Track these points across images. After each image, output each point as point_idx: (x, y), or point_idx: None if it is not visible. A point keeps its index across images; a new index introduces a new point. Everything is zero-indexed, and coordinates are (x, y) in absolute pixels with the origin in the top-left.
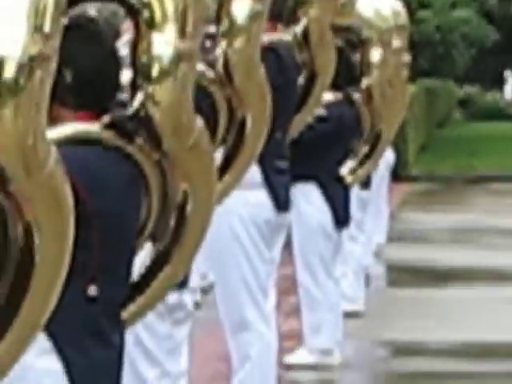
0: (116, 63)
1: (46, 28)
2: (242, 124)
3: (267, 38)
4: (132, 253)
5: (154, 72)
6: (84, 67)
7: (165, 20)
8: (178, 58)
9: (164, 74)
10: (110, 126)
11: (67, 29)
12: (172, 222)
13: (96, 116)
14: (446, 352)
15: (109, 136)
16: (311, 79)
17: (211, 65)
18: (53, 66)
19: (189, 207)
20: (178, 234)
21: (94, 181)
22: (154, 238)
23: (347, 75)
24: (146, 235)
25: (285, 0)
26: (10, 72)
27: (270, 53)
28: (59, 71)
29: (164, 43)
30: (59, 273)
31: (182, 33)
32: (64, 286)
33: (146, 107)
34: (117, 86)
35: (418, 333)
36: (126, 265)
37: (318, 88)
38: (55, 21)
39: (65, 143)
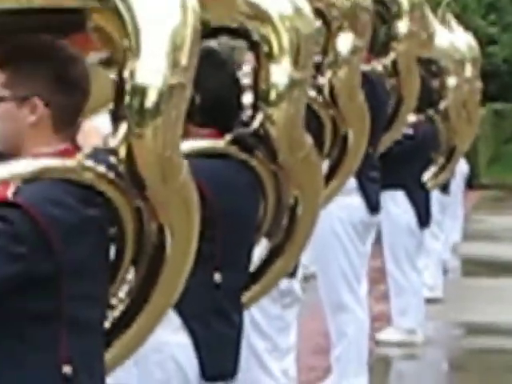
0: (237, 88)
1: (184, 62)
2: (345, 140)
3: (363, 67)
4: (251, 247)
5: (272, 97)
6: (211, 91)
7: (281, 53)
8: (292, 85)
9: (280, 98)
10: (233, 141)
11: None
12: (284, 222)
13: (220, 133)
14: None
15: (233, 150)
16: (399, 103)
17: (318, 89)
18: (188, 92)
19: (299, 210)
20: (289, 232)
21: (219, 187)
22: (269, 235)
23: (428, 99)
24: (262, 232)
25: (375, 34)
26: (152, 99)
27: (366, 80)
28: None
29: (280, 72)
30: (186, 266)
31: (295, 63)
32: (193, 274)
33: (264, 126)
34: (238, 108)
35: (490, 315)
36: (245, 257)
37: (404, 110)
38: (191, 56)
39: (195, 156)
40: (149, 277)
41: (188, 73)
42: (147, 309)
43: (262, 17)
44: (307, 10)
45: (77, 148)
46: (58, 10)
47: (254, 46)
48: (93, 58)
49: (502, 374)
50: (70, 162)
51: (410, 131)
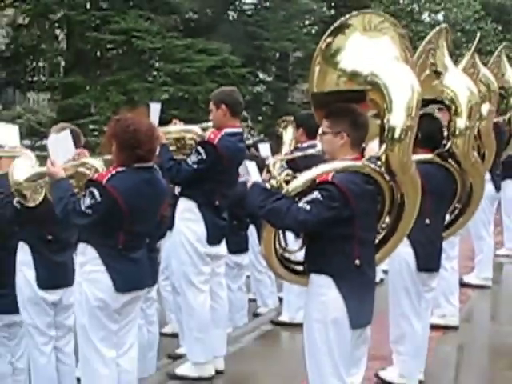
0: (440, 129)
1: (413, 114)
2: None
3: None
4: (375, 230)
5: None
6: (426, 130)
7: (461, 111)
8: (466, 128)
9: (460, 135)
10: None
11: None
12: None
13: (432, 151)
14: None
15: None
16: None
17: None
18: (415, 130)
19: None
20: (397, 221)
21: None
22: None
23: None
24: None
25: None
26: (397, 133)
27: None
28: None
29: (461, 121)
30: (413, 216)
31: (468, 117)
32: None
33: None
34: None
35: None
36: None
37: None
38: (416, 112)
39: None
40: (396, 220)
41: (414, 120)
42: (395, 235)
43: (451, 95)
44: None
45: (362, 156)
46: (353, 91)
47: (447, 108)
48: (368, 113)
49: None
50: (359, 163)
51: None
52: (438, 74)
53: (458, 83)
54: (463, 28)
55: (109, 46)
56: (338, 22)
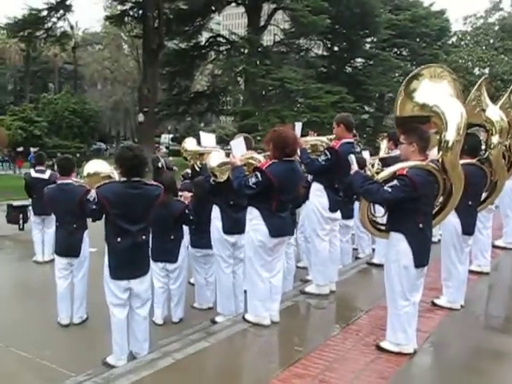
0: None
1: (461, 133)
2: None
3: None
4: (433, 206)
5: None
6: (469, 144)
7: (495, 132)
8: (497, 144)
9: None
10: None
11: None
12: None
13: (473, 158)
14: None
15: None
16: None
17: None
18: (461, 143)
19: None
20: (447, 200)
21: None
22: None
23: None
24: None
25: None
26: (450, 144)
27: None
28: None
29: (495, 139)
30: (457, 198)
31: (499, 136)
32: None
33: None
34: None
35: None
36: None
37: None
38: (463, 131)
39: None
40: (446, 200)
41: (461, 136)
42: (445, 209)
43: (489, 122)
44: (505, 118)
45: (426, 158)
46: (422, 116)
47: (486, 130)
48: (431, 131)
49: None
50: (424, 163)
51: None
52: (483, 110)
53: (494, 115)
54: (502, 78)
55: (270, 87)
56: (415, 71)
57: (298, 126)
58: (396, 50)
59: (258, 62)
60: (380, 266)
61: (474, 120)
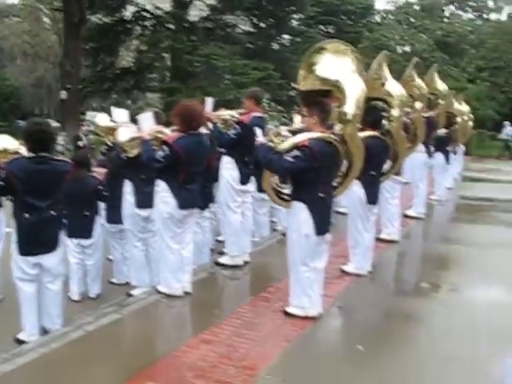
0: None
1: (360, 106)
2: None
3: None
4: (335, 175)
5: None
6: (371, 116)
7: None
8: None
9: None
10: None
11: None
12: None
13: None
14: None
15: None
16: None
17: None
18: (359, 115)
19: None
20: (348, 171)
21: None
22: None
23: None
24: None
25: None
26: (349, 116)
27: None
28: None
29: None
30: (358, 169)
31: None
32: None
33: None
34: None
35: None
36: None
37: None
38: (361, 105)
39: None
40: (348, 169)
41: (360, 110)
42: (347, 179)
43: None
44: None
45: (328, 130)
46: (323, 90)
47: (387, 103)
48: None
49: None
50: (325, 134)
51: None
52: (382, 84)
53: (394, 89)
54: (422, 56)
55: (196, 64)
56: (317, 45)
57: (210, 101)
58: (322, 27)
59: (184, 38)
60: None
61: (375, 94)
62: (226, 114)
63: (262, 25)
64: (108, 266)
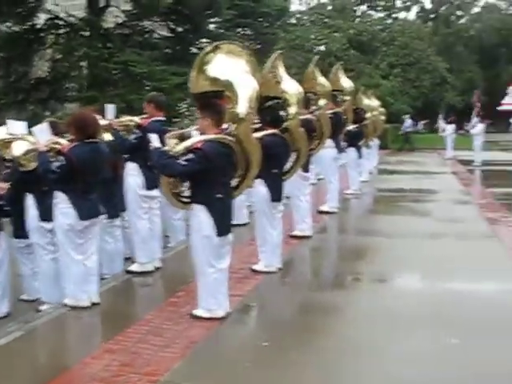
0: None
1: (252, 106)
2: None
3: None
4: (232, 176)
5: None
6: (269, 116)
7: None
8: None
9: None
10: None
11: None
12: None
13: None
14: None
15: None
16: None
17: None
18: (253, 116)
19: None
20: (247, 170)
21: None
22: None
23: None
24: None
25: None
26: (241, 115)
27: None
28: None
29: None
30: (256, 169)
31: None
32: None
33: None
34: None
35: None
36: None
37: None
38: (255, 104)
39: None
40: (246, 169)
41: (252, 109)
42: (246, 179)
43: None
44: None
45: (222, 132)
46: (214, 91)
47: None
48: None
49: None
50: (219, 136)
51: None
52: (278, 82)
53: (290, 87)
54: (336, 54)
55: (114, 71)
56: (207, 48)
57: (111, 108)
58: (240, 29)
59: (99, 45)
60: None
61: (272, 92)
62: (126, 119)
63: (180, 29)
64: (19, 283)
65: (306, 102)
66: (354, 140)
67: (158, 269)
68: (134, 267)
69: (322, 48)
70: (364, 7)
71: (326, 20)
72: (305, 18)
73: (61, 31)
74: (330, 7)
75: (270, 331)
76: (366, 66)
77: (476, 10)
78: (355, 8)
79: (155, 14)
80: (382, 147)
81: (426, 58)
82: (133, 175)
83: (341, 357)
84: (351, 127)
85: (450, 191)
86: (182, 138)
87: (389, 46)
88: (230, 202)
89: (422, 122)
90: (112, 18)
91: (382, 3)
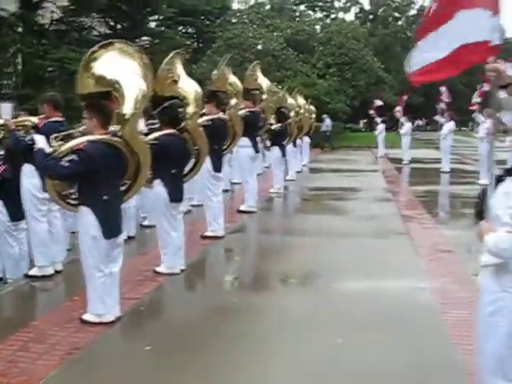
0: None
1: (138, 106)
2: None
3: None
4: (122, 179)
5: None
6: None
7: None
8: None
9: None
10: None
11: None
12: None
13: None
14: None
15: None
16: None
17: None
18: (140, 114)
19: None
20: (137, 174)
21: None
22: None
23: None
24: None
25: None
26: (127, 116)
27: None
28: None
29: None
30: (146, 172)
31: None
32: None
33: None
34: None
35: None
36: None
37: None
38: (141, 105)
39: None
40: (137, 170)
41: (139, 110)
42: (138, 179)
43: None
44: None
45: (108, 133)
46: (102, 92)
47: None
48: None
49: None
50: (104, 136)
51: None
52: (175, 81)
53: (188, 87)
54: (273, 53)
55: (49, 69)
56: (92, 49)
57: (6, 107)
58: (182, 27)
59: (33, 42)
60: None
61: (168, 92)
62: (24, 119)
63: (119, 26)
64: None
65: (218, 101)
66: (278, 138)
67: (58, 272)
68: (33, 271)
69: (259, 47)
70: (302, 7)
71: (266, 20)
72: (244, 16)
73: None
74: (268, 7)
75: (157, 335)
76: (304, 65)
77: (413, 12)
78: (294, 8)
79: (93, 11)
80: (315, 146)
81: (361, 57)
82: (29, 177)
83: (226, 360)
84: (274, 126)
85: (373, 189)
86: (71, 138)
87: (325, 46)
88: (118, 205)
89: (363, 121)
90: (49, 14)
91: (320, 4)
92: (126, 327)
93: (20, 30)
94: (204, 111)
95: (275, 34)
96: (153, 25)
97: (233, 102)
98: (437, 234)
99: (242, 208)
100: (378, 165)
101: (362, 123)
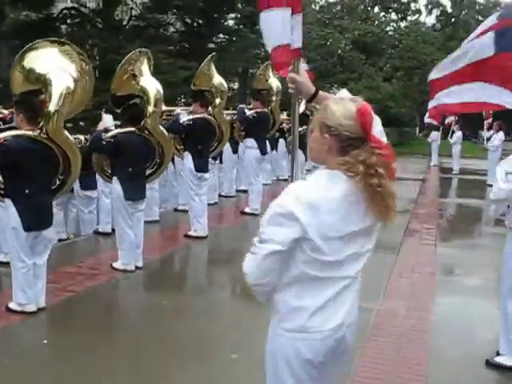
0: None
1: (61, 103)
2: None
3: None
4: (54, 178)
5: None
6: (128, 113)
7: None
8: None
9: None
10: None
11: None
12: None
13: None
14: None
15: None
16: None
17: None
18: (65, 112)
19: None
20: (69, 166)
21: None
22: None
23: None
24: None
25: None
26: (51, 113)
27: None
28: None
29: None
30: (78, 162)
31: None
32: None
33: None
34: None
35: None
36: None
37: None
38: (65, 102)
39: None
40: (68, 166)
41: (63, 107)
42: (71, 175)
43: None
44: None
45: (33, 129)
46: (34, 89)
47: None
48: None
49: None
50: (29, 132)
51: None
52: (134, 76)
53: (149, 85)
54: (339, 55)
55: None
56: (27, 46)
57: None
58: (257, 26)
59: (110, 37)
60: (105, 234)
61: (128, 90)
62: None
63: (195, 24)
64: None
65: (202, 101)
66: (302, 142)
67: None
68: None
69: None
70: (376, 9)
71: (332, 19)
72: (318, 16)
73: (75, 21)
74: (338, 7)
75: (65, 330)
76: (370, 67)
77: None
78: (368, 9)
79: (171, 8)
80: None
81: (432, 62)
82: None
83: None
84: (300, 129)
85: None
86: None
87: (394, 49)
88: (41, 199)
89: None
90: (127, 10)
91: (395, 5)
92: (41, 320)
93: (100, 26)
94: (190, 110)
95: (341, 35)
96: (231, 23)
97: (217, 101)
98: (430, 251)
99: (246, 210)
100: (425, 174)
101: (417, 129)
